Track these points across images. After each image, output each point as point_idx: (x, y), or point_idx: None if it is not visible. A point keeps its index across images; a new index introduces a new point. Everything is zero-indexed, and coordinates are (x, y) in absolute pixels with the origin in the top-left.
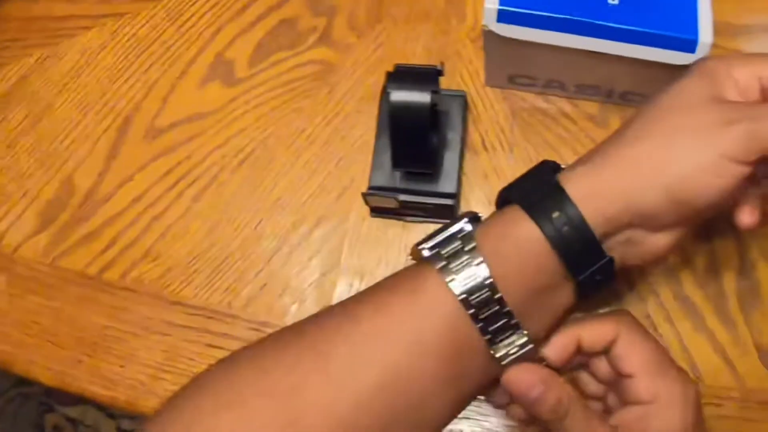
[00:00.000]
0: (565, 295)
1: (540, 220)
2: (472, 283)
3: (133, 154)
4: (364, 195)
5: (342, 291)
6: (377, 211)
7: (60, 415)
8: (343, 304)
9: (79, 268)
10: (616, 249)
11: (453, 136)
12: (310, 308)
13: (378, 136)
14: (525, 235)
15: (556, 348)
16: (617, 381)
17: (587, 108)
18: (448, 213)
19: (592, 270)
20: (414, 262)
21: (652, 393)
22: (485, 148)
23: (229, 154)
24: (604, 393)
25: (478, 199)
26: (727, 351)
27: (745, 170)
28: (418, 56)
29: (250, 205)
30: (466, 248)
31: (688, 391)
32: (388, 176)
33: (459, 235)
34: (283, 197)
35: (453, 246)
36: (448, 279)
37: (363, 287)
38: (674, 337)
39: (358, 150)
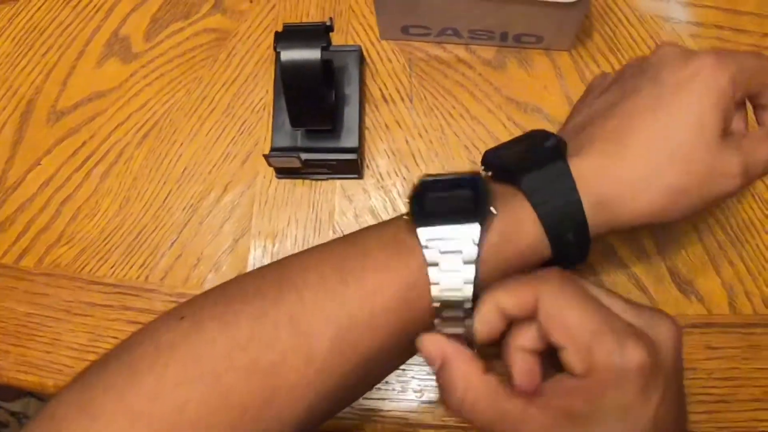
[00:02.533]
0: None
1: (551, 230)
2: (450, 294)
3: (38, 139)
4: (266, 157)
5: (257, 255)
6: (282, 173)
7: (3, 410)
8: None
9: None
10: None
11: (351, 91)
12: (227, 275)
13: (276, 98)
14: (530, 242)
15: (483, 321)
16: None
17: (483, 53)
18: (353, 167)
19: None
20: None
21: (585, 367)
22: (385, 101)
23: (132, 129)
24: None
25: (382, 152)
26: (641, 279)
27: (728, 189)
28: (311, 16)
29: (158, 178)
30: (465, 259)
31: (635, 358)
32: (289, 137)
33: (460, 237)
34: (189, 167)
35: (452, 246)
36: (433, 281)
37: (276, 249)
38: (588, 271)
39: (259, 113)
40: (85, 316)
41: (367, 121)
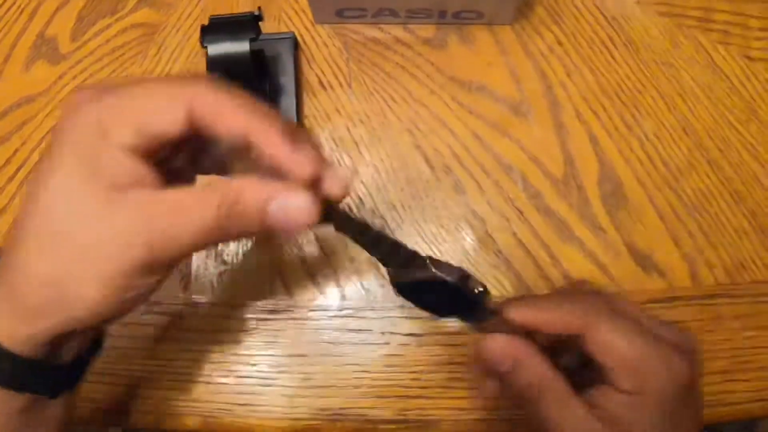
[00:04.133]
0: (51, 404)
1: None
2: None
3: None
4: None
5: (200, 255)
6: None
7: None
8: None
9: None
10: (77, 339)
11: (286, 81)
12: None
13: None
14: None
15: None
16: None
17: (422, 32)
18: None
19: (61, 379)
20: None
21: (633, 386)
22: (323, 87)
23: None
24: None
25: (323, 141)
26: (598, 256)
27: (164, 275)
28: (241, 4)
29: None
30: None
31: (674, 377)
32: None
33: None
34: None
35: None
36: None
37: (221, 247)
38: (543, 250)
39: None
40: None
41: (306, 110)
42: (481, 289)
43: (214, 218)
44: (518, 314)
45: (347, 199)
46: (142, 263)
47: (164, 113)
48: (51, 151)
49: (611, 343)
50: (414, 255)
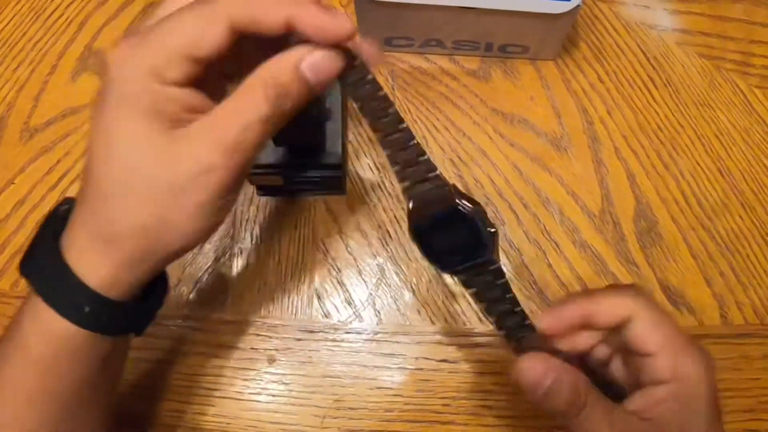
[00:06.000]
0: (122, 346)
1: (74, 317)
2: None
3: (11, 158)
4: (248, 175)
5: (239, 274)
6: (264, 190)
7: None
8: None
9: None
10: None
11: (333, 106)
12: (207, 294)
13: None
14: (66, 332)
15: (560, 319)
16: (631, 360)
17: (468, 63)
18: (337, 184)
19: (143, 319)
20: None
21: (675, 371)
22: None
23: None
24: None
25: (366, 166)
26: None
27: (240, 188)
28: None
29: None
30: None
31: (710, 366)
32: (270, 153)
33: None
34: None
35: None
36: None
37: (258, 269)
38: (577, 284)
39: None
40: None
41: (351, 136)
42: (492, 230)
43: (265, 103)
44: (566, 312)
45: None
46: (224, 183)
47: (208, 33)
48: (107, 105)
49: (657, 325)
50: (435, 170)
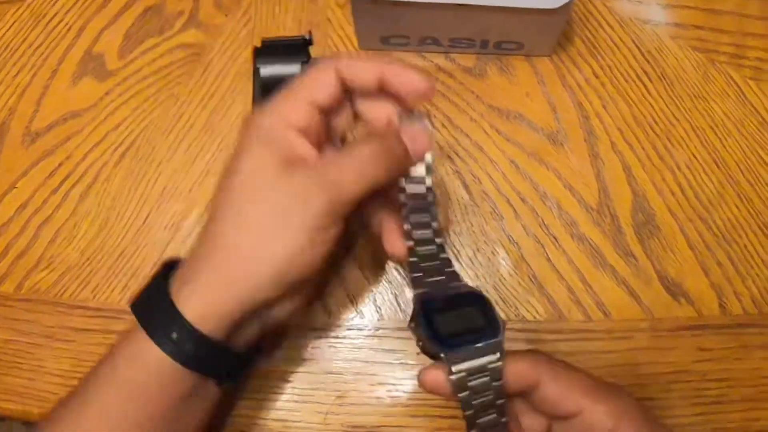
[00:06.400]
0: (209, 393)
1: (162, 343)
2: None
3: (13, 161)
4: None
5: None
6: None
7: None
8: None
9: None
10: (250, 328)
11: None
12: None
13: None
14: (152, 358)
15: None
16: (561, 427)
17: (464, 61)
18: None
19: (233, 367)
20: None
21: (614, 416)
22: None
23: (109, 149)
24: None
25: None
26: (630, 284)
27: (341, 226)
28: (288, 28)
29: (137, 198)
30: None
31: (636, 401)
32: None
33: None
34: (169, 186)
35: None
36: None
37: None
38: (576, 276)
39: (237, 129)
40: (67, 341)
41: (348, 134)
42: (506, 321)
43: (370, 162)
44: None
45: None
46: (321, 215)
47: (323, 82)
48: (241, 144)
49: (571, 380)
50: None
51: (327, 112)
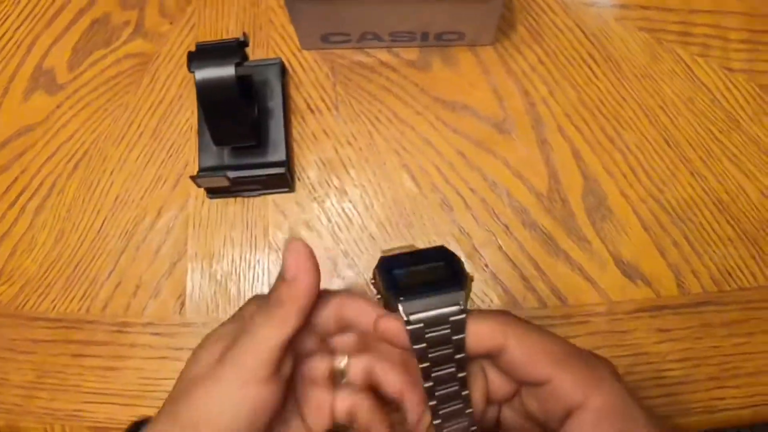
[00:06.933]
0: None
1: None
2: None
3: None
4: (193, 178)
5: (194, 277)
6: (213, 192)
7: None
8: None
9: None
10: None
11: (274, 105)
12: (167, 299)
13: (200, 118)
14: None
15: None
16: (531, 396)
17: (406, 54)
18: (283, 181)
19: None
20: None
21: (583, 389)
22: (311, 111)
23: (62, 161)
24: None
25: (312, 163)
26: (585, 269)
27: (277, 384)
28: (231, 31)
29: (92, 208)
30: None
31: (611, 367)
32: (215, 156)
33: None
34: (121, 194)
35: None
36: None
37: (213, 270)
38: (530, 264)
39: (186, 135)
40: (29, 353)
41: (294, 133)
42: (473, 277)
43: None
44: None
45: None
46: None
47: (327, 314)
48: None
49: (541, 345)
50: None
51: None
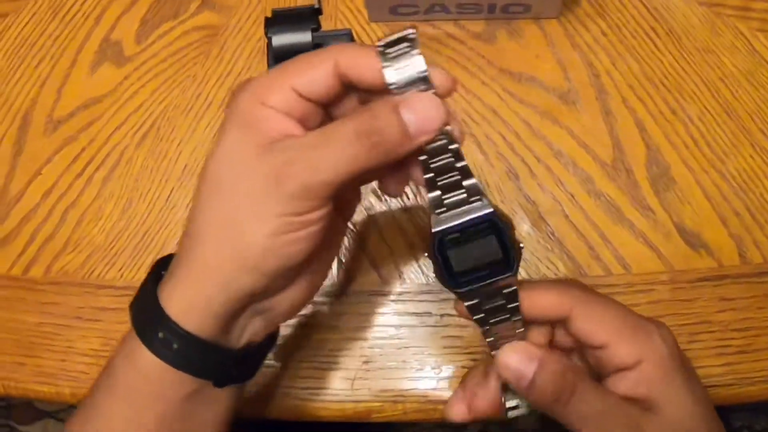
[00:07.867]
0: (217, 395)
1: (150, 343)
2: None
3: (37, 149)
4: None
5: None
6: None
7: None
8: None
9: (2, 271)
10: (250, 325)
11: None
12: None
13: None
14: (143, 360)
15: (472, 410)
16: (589, 353)
17: (473, 27)
18: None
19: (228, 367)
20: None
21: (637, 357)
22: None
23: (130, 131)
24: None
25: None
26: (649, 237)
27: (324, 210)
28: (299, 3)
29: (159, 178)
30: None
31: (669, 337)
32: None
33: None
34: (190, 164)
35: None
36: None
37: None
38: (595, 232)
39: None
40: (96, 321)
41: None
42: (522, 245)
43: (352, 142)
44: (479, 402)
45: None
46: (295, 199)
47: (314, 72)
48: (221, 126)
49: (600, 315)
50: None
51: (324, 104)
